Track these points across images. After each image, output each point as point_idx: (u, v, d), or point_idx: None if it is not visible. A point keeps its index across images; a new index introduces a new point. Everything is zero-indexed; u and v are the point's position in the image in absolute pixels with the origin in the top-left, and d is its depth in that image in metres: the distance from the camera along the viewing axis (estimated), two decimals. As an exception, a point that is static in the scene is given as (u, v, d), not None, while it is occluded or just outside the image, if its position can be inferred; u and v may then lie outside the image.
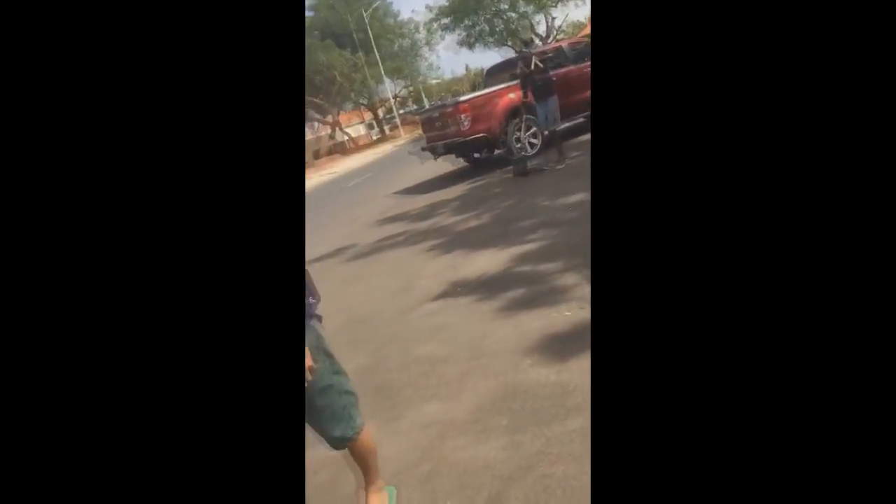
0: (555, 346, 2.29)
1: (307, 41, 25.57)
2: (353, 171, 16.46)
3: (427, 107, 12.48)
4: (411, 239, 5.24)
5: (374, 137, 34.95)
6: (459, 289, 3.39)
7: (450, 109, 7.64)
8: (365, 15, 26.88)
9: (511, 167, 6.81)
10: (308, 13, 28.87)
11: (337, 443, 1.52)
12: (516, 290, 3.03)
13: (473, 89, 9.61)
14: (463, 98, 7.72)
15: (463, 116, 7.30)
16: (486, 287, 3.26)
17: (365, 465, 1.61)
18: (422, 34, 31.31)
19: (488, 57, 49.84)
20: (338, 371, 1.51)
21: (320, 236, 6.95)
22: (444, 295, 3.38)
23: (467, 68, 42.83)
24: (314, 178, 17.30)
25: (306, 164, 23.95)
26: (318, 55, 25.53)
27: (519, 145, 7.27)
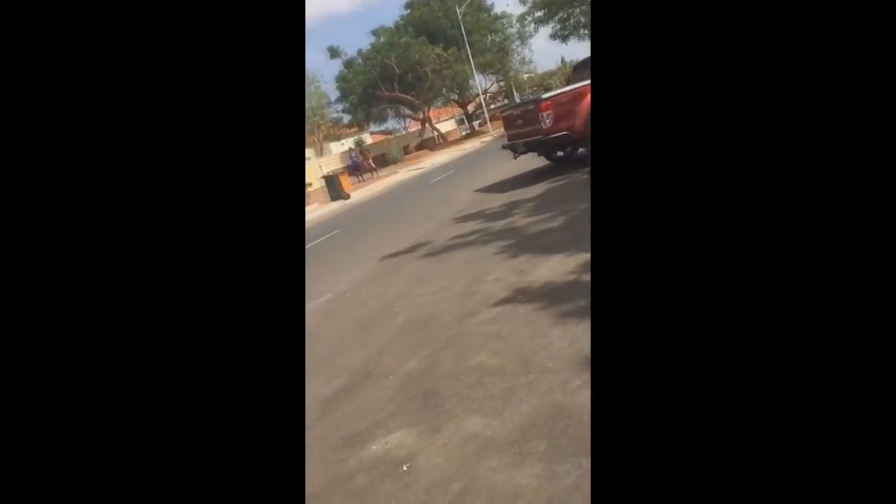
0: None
1: (402, 39, 26.23)
2: (439, 167, 16.64)
3: (514, 103, 12.30)
4: (482, 239, 5.17)
5: (463, 133, 35.14)
6: (521, 296, 3.28)
7: (531, 107, 7.44)
8: (459, 11, 27.01)
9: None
10: (403, 11, 29.60)
11: None
12: (577, 301, 2.87)
13: (567, 83, 9.29)
14: (545, 96, 7.48)
15: (545, 114, 7.07)
16: (547, 296, 3.12)
17: None
18: (514, 28, 30.95)
19: (583, 49, 48.07)
20: None
21: (400, 232, 7.10)
22: (504, 301, 3.29)
23: (562, 61, 41.65)
24: (400, 174, 17.74)
25: (396, 160, 24.64)
26: (412, 53, 26.06)
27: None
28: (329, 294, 4.97)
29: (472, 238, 5.40)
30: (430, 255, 5.32)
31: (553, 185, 6.96)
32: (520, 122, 7.91)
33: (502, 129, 11.52)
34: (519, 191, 7.27)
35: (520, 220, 5.53)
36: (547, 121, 7.12)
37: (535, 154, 8.47)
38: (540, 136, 7.33)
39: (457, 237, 5.65)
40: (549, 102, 7.17)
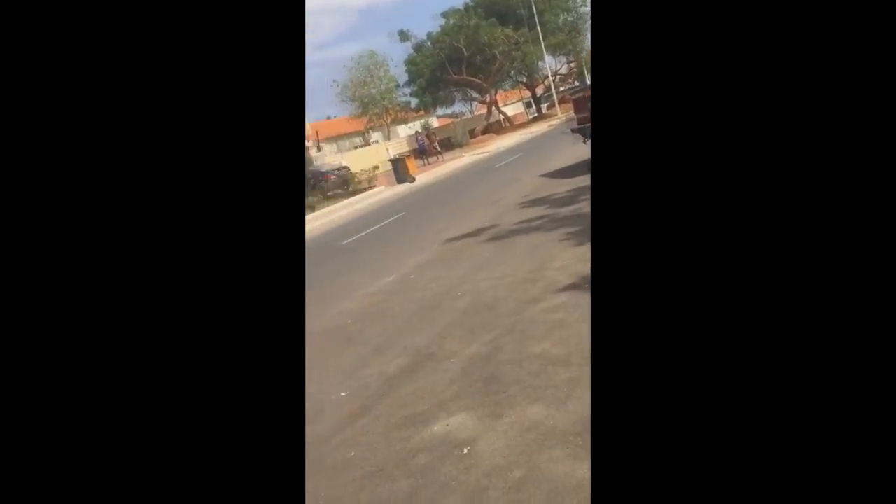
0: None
1: (471, 21, 25.92)
2: (505, 151, 16.44)
3: (584, 84, 11.87)
4: (548, 225, 5.07)
5: (530, 116, 34.44)
6: (587, 284, 3.19)
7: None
8: (530, -10, 26.30)
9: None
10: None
11: None
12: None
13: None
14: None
15: (618, 96, 6.78)
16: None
17: None
18: (588, 6, 29.76)
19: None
20: None
21: (464, 216, 7.10)
22: (569, 288, 3.21)
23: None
24: (465, 158, 17.69)
25: (461, 143, 24.56)
26: (480, 34, 25.72)
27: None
28: (394, 275, 5.06)
29: (537, 224, 5.31)
30: (494, 239, 5.29)
31: (624, 170, 6.69)
32: (590, 104, 7.63)
33: (571, 113, 11.17)
34: (586, 176, 7.03)
35: (587, 206, 5.36)
36: (620, 103, 6.82)
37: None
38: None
39: (521, 222, 5.58)
40: (623, 84, 6.85)
